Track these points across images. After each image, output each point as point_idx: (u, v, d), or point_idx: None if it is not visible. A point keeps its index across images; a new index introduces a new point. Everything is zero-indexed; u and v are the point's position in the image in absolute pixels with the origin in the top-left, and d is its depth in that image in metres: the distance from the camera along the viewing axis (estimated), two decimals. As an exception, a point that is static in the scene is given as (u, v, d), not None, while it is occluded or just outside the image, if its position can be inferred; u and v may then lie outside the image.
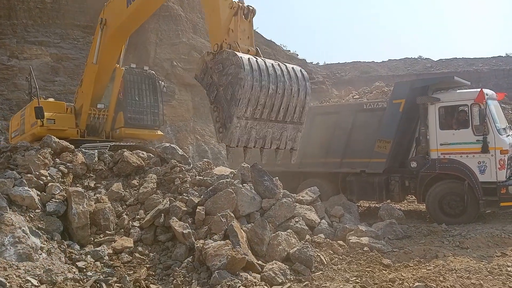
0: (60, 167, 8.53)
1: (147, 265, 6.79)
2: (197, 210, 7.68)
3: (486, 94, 9.80)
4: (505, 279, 6.12)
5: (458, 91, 10.71)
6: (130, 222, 7.80)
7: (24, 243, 6.09)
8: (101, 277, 6.15)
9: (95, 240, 7.34)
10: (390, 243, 8.08)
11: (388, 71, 43.54)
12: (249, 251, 6.71)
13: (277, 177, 9.05)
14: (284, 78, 6.61)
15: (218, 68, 6.54)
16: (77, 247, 7.04)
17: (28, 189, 7.38)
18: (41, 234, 6.68)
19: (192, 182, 8.73)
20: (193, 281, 6.14)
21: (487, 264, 6.73)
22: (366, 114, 11.58)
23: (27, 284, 5.30)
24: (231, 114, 6.23)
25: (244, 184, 8.51)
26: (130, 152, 9.64)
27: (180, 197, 8.17)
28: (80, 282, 5.79)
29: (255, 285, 5.84)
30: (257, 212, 8.09)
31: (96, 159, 9.34)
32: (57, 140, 9.36)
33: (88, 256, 6.79)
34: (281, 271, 6.29)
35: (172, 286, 6.09)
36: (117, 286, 6.01)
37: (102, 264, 6.70)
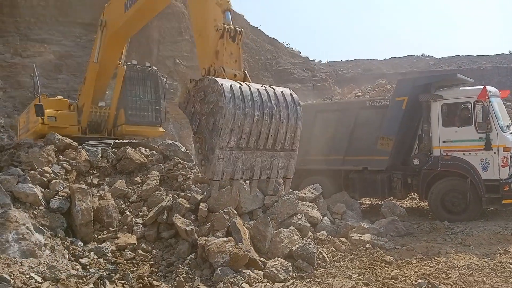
0: (63, 164, 8.60)
1: (150, 262, 6.83)
2: (200, 207, 7.72)
3: (489, 92, 9.76)
4: (507, 276, 6.12)
5: (461, 88, 10.64)
6: (133, 219, 7.84)
7: (28, 240, 6.13)
8: (104, 273, 6.16)
9: (99, 237, 7.39)
10: (392, 240, 8.09)
11: (390, 68, 43.33)
12: (252, 248, 6.73)
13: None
14: (271, 103, 6.06)
15: (200, 96, 6.06)
16: (81, 243, 7.09)
17: (32, 186, 7.43)
18: (44, 231, 6.71)
19: (195, 179, 8.76)
20: (196, 277, 6.18)
21: (489, 261, 6.74)
22: (368, 112, 11.57)
23: (30, 280, 5.31)
24: (213, 145, 5.77)
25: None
26: (133, 150, 9.69)
27: (183, 194, 8.21)
28: (84, 278, 5.80)
29: (258, 282, 5.85)
30: (259, 209, 8.13)
31: (100, 156, 9.38)
32: (60, 137, 9.41)
33: (92, 252, 6.84)
34: (284, 268, 6.29)
35: (175, 282, 6.10)
36: (120, 282, 6.03)
37: (105, 261, 6.75)
